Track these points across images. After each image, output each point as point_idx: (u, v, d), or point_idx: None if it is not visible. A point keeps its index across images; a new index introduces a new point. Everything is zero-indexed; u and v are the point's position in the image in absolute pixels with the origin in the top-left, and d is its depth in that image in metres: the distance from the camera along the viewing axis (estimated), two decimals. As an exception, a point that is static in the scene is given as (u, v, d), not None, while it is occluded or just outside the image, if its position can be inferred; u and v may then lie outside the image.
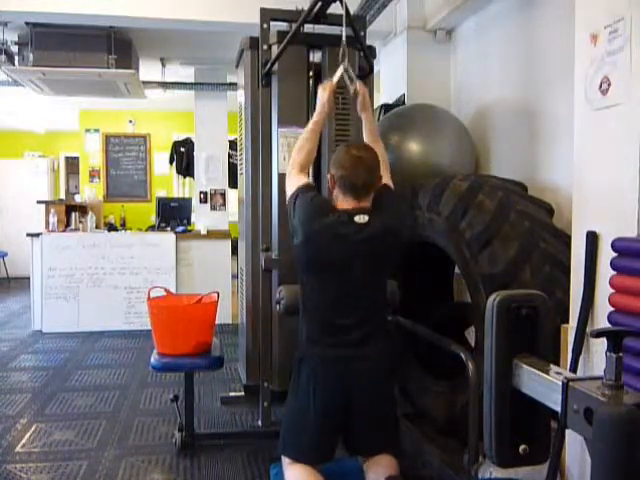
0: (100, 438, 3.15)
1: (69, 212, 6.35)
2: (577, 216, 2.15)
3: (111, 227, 6.53)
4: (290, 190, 2.20)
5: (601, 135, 2.01)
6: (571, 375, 1.14)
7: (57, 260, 5.67)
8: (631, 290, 1.82)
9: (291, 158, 2.32)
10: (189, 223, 6.57)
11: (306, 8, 2.73)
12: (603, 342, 1.07)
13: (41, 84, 5.11)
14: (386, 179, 2.23)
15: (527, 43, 3.31)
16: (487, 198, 2.59)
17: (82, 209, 6.63)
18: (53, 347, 5.14)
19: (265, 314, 3.01)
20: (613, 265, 1.90)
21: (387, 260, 2.13)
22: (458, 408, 2.64)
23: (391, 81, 4.54)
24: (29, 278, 5.83)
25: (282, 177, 2.93)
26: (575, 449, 2.08)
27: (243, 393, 3.53)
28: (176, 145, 8.19)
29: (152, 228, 6.66)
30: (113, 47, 4.70)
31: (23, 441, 3.11)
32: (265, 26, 2.97)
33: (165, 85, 6.13)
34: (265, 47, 2.98)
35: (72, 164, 10.17)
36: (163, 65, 5.92)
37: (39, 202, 6.91)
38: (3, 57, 4.63)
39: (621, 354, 1.03)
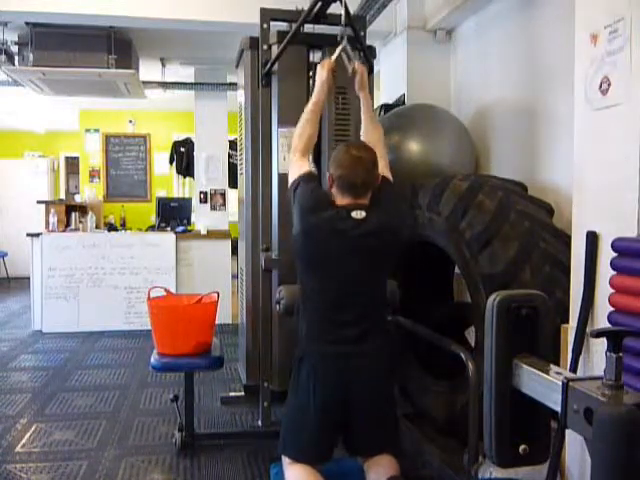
0: (100, 438, 3.15)
1: (69, 212, 6.35)
2: (577, 216, 2.15)
3: (111, 227, 6.53)
4: (292, 177, 2.21)
5: (601, 135, 2.01)
6: (571, 375, 1.14)
7: (57, 260, 5.67)
8: (631, 290, 1.82)
9: (292, 143, 2.31)
10: (189, 223, 6.57)
11: (306, 8, 2.73)
12: (603, 342, 1.07)
13: (41, 84, 5.11)
14: (384, 167, 2.22)
15: (527, 43, 3.31)
16: (487, 198, 2.59)
17: (82, 209, 6.63)
18: (53, 347, 5.14)
19: (265, 314, 3.01)
20: (613, 265, 1.90)
21: (385, 257, 2.12)
22: (458, 408, 2.64)
23: (391, 81, 4.54)
24: (29, 278, 5.83)
25: (282, 177, 2.93)
26: (575, 449, 2.08)
27: (243, 393, 3.53)
28: (176, 145, 8.19)
29: (152, 228, 6.66)
30: (113, 47, 4.70)
31: (23, 441, 3.11)
32: (265, 26, 2.97)
33: (165, 85, 6.13)
34: (265, 47, 2.98)
35: (72, 164, 10.17)
36: (163, 65, 5.92)
37: (39, 202, 6.91)
38: (3, 57, 4.63)
39: (621, 354, 1.03)
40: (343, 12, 2.55)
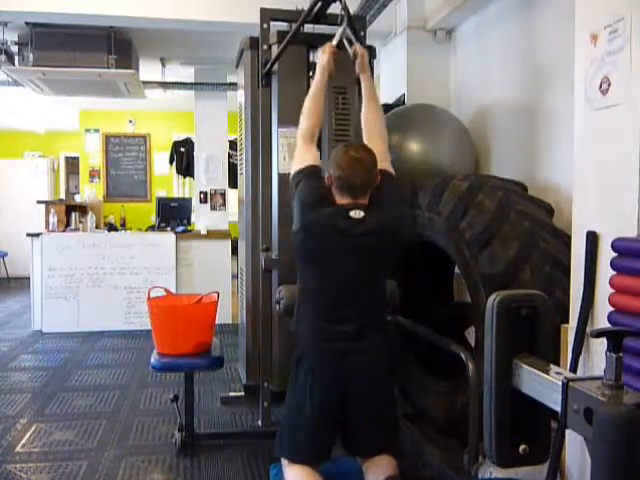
0: (100, 438, 3.15)
1: (69, 212, 6.35)
2: (577, 216, 2.15)
3: (111, 227, 6.53)
4: (295, 166, 2.21)
5: (601, 135, 2.01)
6: (571, 375, 1.14)
7: (57, 260, 5.67)
8: (631, 290, 1.82)
9: (298, 130, 2.31)
10: (189, 223, 6.57)
11: (306, 8, 2.73)
12: (603, 342, 1.07)
13: (41, 84, 5.11)
14: (384, 157, 2.21)
15: (527, 43, 3.31)
16: (487, 198, 2.59)
17: (82, 209, 6.63)
18: (53, 347, 5.14)
19: (265, 314, 3.01)
20: (613, 265, 1.89)
21: (384, 257, 2.12)
22: (458, 408, 2.64)
23: (391, 81, 4.53)
24: (29, 278, 5.83)
25: (282, 177, 2.94)
26: (575, 449, 2.08)
27: (243, 393, 3.53)
28: (176, 145, 8.19)
29: (152, 228, 6.66)
30: (113, 47, 4.70)
31: (23, 441, 3.11)
32: (265, 26, 2.97)
33: (165, 85, 6.13)
34: (265, 47, 2.99)
35: (72, 164, 10.17)
36: (163, 65, 5.92)
37: (39, 202, 6.91)
38: (3, 57, 4.63)
39: (621, 354, 1.03)
40: None
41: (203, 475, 2.74)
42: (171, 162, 8.21)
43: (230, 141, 6.64)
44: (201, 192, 6.40)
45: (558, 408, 1.08)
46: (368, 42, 3.10)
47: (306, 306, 2.13)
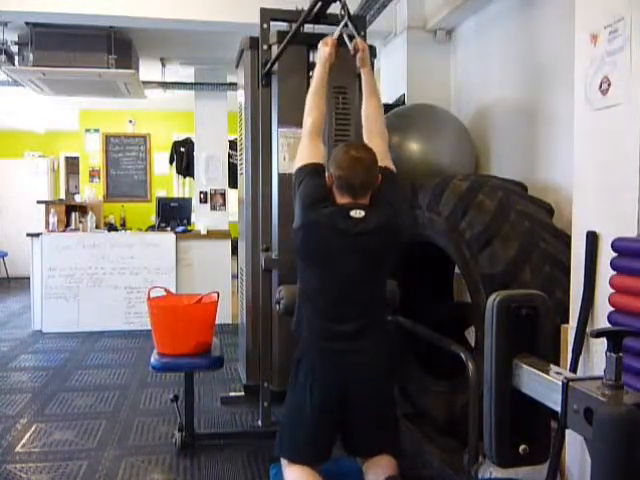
0: (100, 438, 3.15)
1: (69, 212, 6.35)
2: (577, 216, 2.15)
3: (111, 227, 6.53)
4: (298, 162, 2.21)
5: (601, 135, 2.01)
6: (571, 375, 1.14)
7: (57, 260, 5.67)
8: (631, 290, 1.82)
9: (303, 126, 2.30)
10: (189, 223, 6.57)
11: (306, 8, 2.73)
12: (603, 342, 1.07)
13: (41, 84, 5.11)
14: (384, 154, 2.21)
15: (527, 43, 3.31)
16: (487, 198, 2.59)
17: (82, 209, 6.63)
18: (53, 347, 5.14)
19: (265, 314, 3.01)
20: (613, 265, 1.89)
21: (384, 256, 2.12)
22: (458, 408, 2.64)
23: (391, 81, 4.53)
24: (29, 278, 5.83)
25: (282, 177, 2.94)
26: (575, 449, 2.08)
27: (243, 393, 3.53)
28: (176, 145, 8.19)
29: (152, 228, 6.66)
30: (113, 47, 4.70)
31: (23, 441, 3.11)
32: (265, 26, 2.97)
33: (165, 85, 6.13)
34: (265, 47, 2.98)
35: (72, 164, 10.17)
36: (163, 65, 5.92)
37: (39, 202, 6.90)
38: (3, 57, 4.63)
39: (621, 354, 1.03)
40: None
41: (203, 475, 2.74)
42: (171, 162, 8.21)
43: (230, 141, 6.64)
44: (201, 192, 6.40)
45: (558, 408, 1.08)
46: (368, 42, 3.08)
47: (306, 306, 2.13)
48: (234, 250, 5.78)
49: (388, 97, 4.44)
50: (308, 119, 2.28)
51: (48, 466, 2.81)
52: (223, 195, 6.43)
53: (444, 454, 2.66)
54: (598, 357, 1.98)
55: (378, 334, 2.12)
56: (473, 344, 2.90)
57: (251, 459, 2.88)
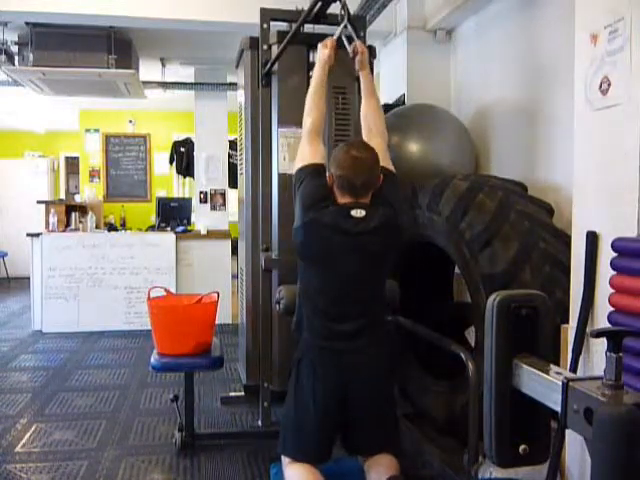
0: (100, 438, 3.15)
1: (69, 212, 6.35)
2: (577, 216, 2.15)
3: (111, 227, 6.54)
4: (298, 162, 2.21)
5: (601, 135, 2.01)
6: (571, 375, 1.14)
7: (57, 260, 5.67)
8: (631, 290, 1.82)
9: (303, 126, 2.30)
10: (189, 223, 6.57)
11: (306, 8, 2.73)
12: (603, 342, 1.07)
13: (41, 84, 5.11)
14: (385, 155, 2.21)
15: (527, 43, 3.31)
16: (487, 198, 2.59)
17: (82, 209, 6.63)
18: (53, 347, 5.14)
19: (265, 314, 3.01)
20: (613, 265, 1.89)
21: (385, 256, 2.12)
22: (458, 408, 2.64)
23: (391, 81, 4.54)
24: (29, 278, 5.83)
25: (282, 177, 2.94)
26: (575, 449, 2.08)
27: (243, 393, 3.53)
28: (176, 145, 8.19)
29: (152, 228, 6.66)
30: (113, 47, 4.70)
31: (23, 441, 3.11)
32: (265, 26, 2.97)
33: (165, 85, 6.13)
34: (265, 47, 2.99)
35: (72, 164, 10.17)
36: (163, 65, 5.92)
37: (39, 202, 6.90)
38: (3, 57, 4.63)
39: (621, 354, 1.03)
40: None
41: (203, 475, 2.74)
42: (171, 162, 8.21)
43: (230, 141, 6.64)
44: (201, 192, 6.40)
45: (558, 408, 1.08)
46: (368, 42, 3.10)
47: (307, 305, 2.13)
48: (234, 250, 5.78)
49: (388, 97, 4.44)
50: (308, 119, 2.28)
51: (48, 466, 2.81)
52: (223, 195, 6.43)
53: (444, 454, 2.66)
54: (598, 357, 1.98)
55: (378, 334, 2.12)
56: (473, 344, 2.90)
57: (251, 459, 2.88)
